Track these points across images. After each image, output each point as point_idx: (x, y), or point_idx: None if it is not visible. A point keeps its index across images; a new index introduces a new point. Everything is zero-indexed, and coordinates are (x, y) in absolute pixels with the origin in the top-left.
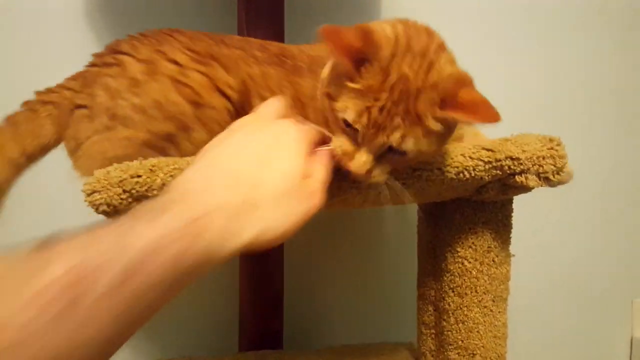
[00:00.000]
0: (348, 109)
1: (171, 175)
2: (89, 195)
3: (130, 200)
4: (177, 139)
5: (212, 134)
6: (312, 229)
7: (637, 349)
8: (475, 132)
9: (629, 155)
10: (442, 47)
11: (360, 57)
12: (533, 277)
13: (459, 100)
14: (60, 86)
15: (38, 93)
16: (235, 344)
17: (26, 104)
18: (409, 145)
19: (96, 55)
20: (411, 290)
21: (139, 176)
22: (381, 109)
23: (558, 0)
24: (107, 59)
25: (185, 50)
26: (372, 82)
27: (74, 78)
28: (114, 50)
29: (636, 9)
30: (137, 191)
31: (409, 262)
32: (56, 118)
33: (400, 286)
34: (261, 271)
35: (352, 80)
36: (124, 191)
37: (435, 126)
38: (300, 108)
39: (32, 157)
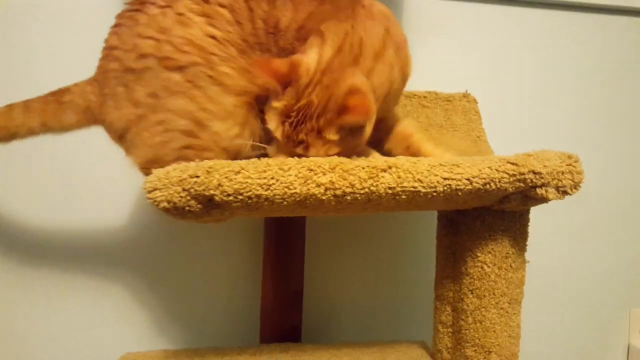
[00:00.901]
0: (271, 121)
1: (226, 177)
2: (150, 192)
3: (188, 198)
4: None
5: None
6: (333, 229)
7: (633, 357)
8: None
9: (631, 168)
10: (359, 57)
11: (286, 82)
12: (534, 285)
13: (348, 106)
14: (81, 86)
15: (61, 89)
16: (256, 337)
17: (52, 92)
18: (312, 153)
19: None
20: (424, 291)
21: (197, 176)
22: (292, 125)
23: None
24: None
25: None
26: (288, 103)
27: (89, 82)
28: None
29: None
30: (196, 190)
31: (424, 265)
32: (82, 113)
33: (415, 287)
34: (283, 268)
35: (276, 100)
36: (183, 189)
37: (334, 137)
38: None
39: (51, 130)
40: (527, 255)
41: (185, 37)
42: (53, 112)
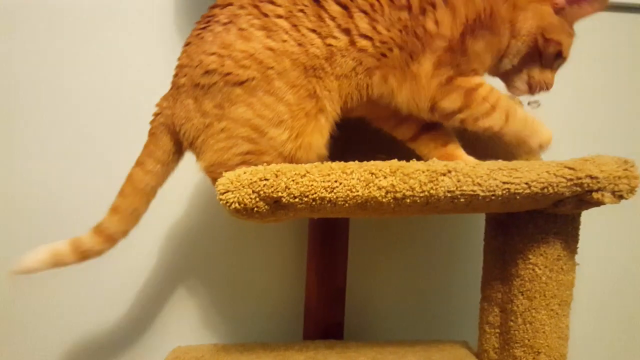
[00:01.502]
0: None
1: (292, 180)
2: (222, 194)
3: (257, 199)
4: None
5: None
6: (376, 228)
7: None
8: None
9: None
10: None
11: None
12: (582, 285)
13: None
14: (160, 105)
15: (151, 121)
16: (300, 333)
17: (148, 132)
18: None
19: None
20: (466, 292)
21: (267, 179)
22: None
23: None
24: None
25: None
26: None
27: (165, 98)
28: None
29: None
30: (265, 192)
31: (468, 266)
32: (167, 129)
33: (457, 288)
34: (326, 266)
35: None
36: (253, 192)
37: None
38: None
39: (165, 163)
40: (581, 258)
41: (246, 50)
42: (155, 147)
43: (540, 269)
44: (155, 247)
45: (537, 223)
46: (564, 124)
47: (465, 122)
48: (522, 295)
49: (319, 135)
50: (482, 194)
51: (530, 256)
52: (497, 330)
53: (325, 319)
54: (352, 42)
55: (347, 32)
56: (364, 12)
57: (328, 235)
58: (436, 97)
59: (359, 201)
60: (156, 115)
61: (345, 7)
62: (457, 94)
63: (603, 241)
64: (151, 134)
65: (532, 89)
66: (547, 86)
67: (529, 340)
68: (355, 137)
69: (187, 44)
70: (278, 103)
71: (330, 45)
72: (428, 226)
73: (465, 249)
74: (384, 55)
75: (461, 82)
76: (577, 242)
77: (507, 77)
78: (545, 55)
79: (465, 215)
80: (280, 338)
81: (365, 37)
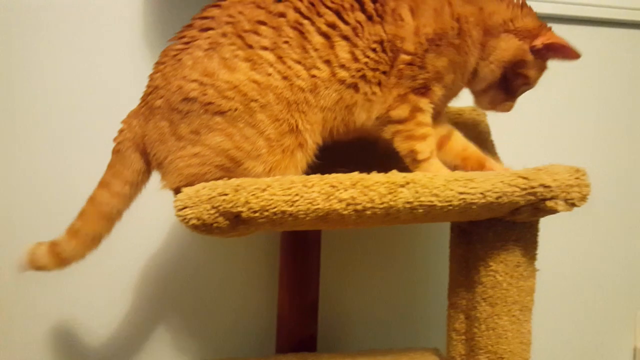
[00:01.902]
0: None
1: (253, 194)
2: (180, 210)
3: (217, 215)
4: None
5: None
6: (347, 240)
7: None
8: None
9: (632, 175)
10: None
11: None
12: (540, 290)
13: None
14: (127, 122)
15: (115, 138)
16: (273, 346)
17: (113, 150)
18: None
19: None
20: (436, 300)
21: (226, 194)
22: None
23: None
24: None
25: None
26: None
27: (135, 115)
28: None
29: None
30: (224, 207)
31: (437, 274)
32: (136, 147)
33: (427, 296)
34: (298, 279)
35: None
36: (212, 207)
37: None
38: None
39: (134, 184)
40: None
41: (230, 81)
42: (122, 166)
43: (501, 275)
44: (124, 265)
45: (497, 231)
46: (532, 133)
47: (398, 135)
48: (485, 301)
49: (294, 169)
50: (439, 204)
51: (491, 263)
52: (463, 337)
53: (298, 332)
54: (333, 73)
55: (328, 63)
56: (346, 38)
57: (300, 248)
58: (392, 106)
59: (320, 214)
60: (122, 132)
61: (327, 36)
62: (407, 105)
63: (563, 247)
64: (116, 151)
65: (494, 108)
66: (507, 109)
67: (492, 346)
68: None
69: (161, 63)
70: (258, 137)
71: (314, 76)
72: (398, 237)
73: (434, 258)
74: (357, 85)
75: (412, 98)
76: (536, 248)
77: (474, 92)
78: (512, 86)
79: (433, 225)
80: (253, 353)
81: (343, 67)
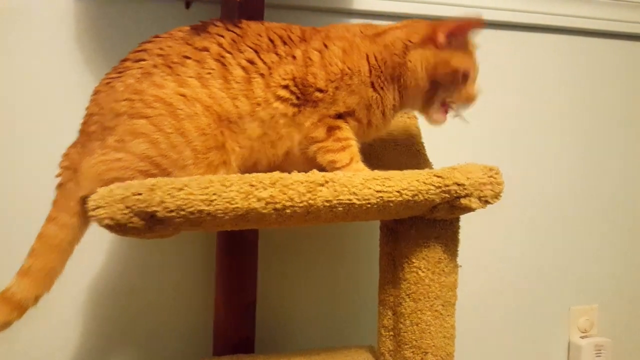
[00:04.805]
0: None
1: (169, 194)
2: (93, 210)
3: (131, 215)
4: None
5: None
6: (284, 241)
7: (574, 353)
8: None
9: (564, 171)
10: None
11: None
12: (476, 285)
13: None
14: (67, 154)
15: (57, 174)
16: (210, 350)
17: (56, 186)
18: None
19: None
20: (372, 298)
21: (140, 194)
22: None
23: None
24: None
25: None
26: None
27: (73, 146)
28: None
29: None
30: (138, 207)
31: (371, 273)
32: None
33: (363, 294)
34: (235, 281)
35: None
36: (126, 207)
37: None
38: None
39: (82, 214)
40: (472, 258)
41: (156, 94)
42: (67, 199)
43: (423, 271)
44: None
45: (419, 228)
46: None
47: (319, 151)
48: (409, 297)
49: None
50: (358, 202)
51: (414, 260)
52: (391, 333)
53: (235, 334)
54: (253, 110)
55: (247, 98)
56: (261, 75)
57: (237, 249)
58: (310, 130)
59: (239, 213)
60: (62, 166)
61: (247, 71)
62: (323, 127)
63: (499, 243)
64: (59, 186)
65: (446, 112)
66: (471, 99)
67: (416, 340)
68: None
69: (96, 92)
70: (185, 147)
71: (237, 107)
72: (335, 236)
73: (370, 257)
74: (276, 119)
75: (328, 121)
76: (457, 245)
77: (422, 112)
78: (450, 84)
79: (367, 225)
80: (190, 356)
81: (259, 105)
